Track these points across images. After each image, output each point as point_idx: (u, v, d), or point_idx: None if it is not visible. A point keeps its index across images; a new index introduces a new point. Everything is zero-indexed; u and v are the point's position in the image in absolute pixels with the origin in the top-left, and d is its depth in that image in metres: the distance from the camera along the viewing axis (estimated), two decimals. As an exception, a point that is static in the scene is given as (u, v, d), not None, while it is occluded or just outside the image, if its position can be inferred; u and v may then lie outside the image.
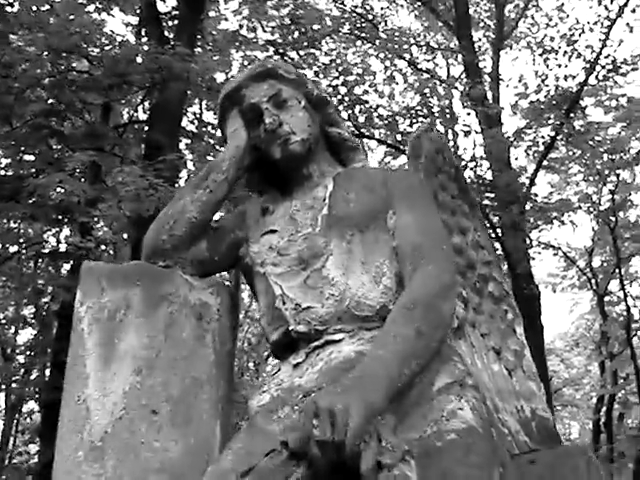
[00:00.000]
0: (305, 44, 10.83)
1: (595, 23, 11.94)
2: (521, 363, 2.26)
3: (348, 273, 1.75)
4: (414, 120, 13.15)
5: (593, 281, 16.48)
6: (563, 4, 12.76)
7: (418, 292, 1.60)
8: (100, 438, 1.62)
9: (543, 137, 12.97)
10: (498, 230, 11.78)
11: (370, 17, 14.21)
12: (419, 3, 14.44)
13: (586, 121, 13.19)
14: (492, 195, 11.86)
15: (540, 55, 12.60)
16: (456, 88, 14.02)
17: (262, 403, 1.70)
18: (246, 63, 11.25)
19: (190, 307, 1.79)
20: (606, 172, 15.41)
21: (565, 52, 12.34)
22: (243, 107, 1.99)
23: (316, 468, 1.25)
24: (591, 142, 13.89)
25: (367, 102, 11.40)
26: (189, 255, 1.90)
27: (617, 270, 15.80)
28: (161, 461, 1.62)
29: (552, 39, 12.39)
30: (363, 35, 14.17)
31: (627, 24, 12.37)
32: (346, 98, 11.54)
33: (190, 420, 1.69)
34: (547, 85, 12.38)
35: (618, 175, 15.55)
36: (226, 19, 11.07)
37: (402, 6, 15.41)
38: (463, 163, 12.39)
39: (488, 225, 11.22)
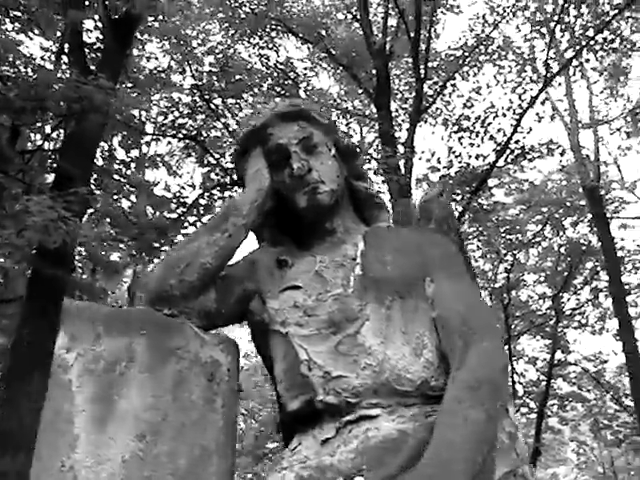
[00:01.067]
0: (232, 94, 10.72)
1: (508, 109, 12.51)
2: (514, 445, 2.15)
3: (387, 342, 1.59)
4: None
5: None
6: (480, 87, 13.31)
7: (481, 371, 1.47)
8: (93, 513, 1.35)
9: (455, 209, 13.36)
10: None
11: (292, 75, 14.36)
12: (341, 68, 14.69)
13: (492, 200, 13.73)
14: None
15: (455, 132, 13.01)
16: (369, 154, 14.27)
17: None
18: (168, 105, 11.02)
19: (201, 365, 1.57)
20: (503, 251, 16.02)
21: (478, 133, 12.84)
22: (268, 147, 1.82)
23: None
24: (493, 221, 14.48)
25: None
26: (197, 305, 1.67)
27: (507, 347, 16.24)
28: None
29: (467, 118, 12.84)
30: (284, 92, 14.26)
31: (537, 114, 13.04)
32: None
33: (197, 498, 1.46)
34: (459, 162, 12.81)
35: (514, 255, 16.17)
36: (156, 58, 10.82)
37: (325, 69, 15.65)
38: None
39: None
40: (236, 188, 11.98)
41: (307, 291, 1.70)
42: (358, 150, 1.96)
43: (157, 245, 9.50)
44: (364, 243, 1.79)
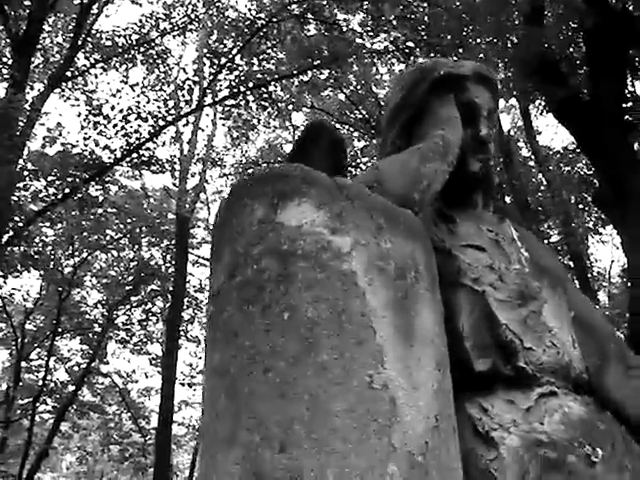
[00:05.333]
0: None
1: (154, 117, 12.47)
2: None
3: (562, 328, 1.65)
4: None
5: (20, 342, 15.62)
6: (137, 84, 12.95)
7: None
8: (420, 450, 1.06)
9: (55, 189, 12.54)
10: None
11: None
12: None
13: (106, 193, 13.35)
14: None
15: (93, 115, 12.42)
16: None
17: (515, 445, 1.39)
18: None
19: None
20: (81, 246, 15.56)
21: (115, 125, 12.46)
22: (462, 98, 1.80)
23: None
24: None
25: None
26: None
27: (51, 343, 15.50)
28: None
29: (112, 108, 12.38)
30: None
31: (176, 132, 13.28)
32: None
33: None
34: (86, 145, 12.20)
35: (90, 253, 15.84)
36: None
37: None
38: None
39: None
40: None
41: (492, 257, 1.65)
42: None
43: None
44: (514, 229, 1.82)
